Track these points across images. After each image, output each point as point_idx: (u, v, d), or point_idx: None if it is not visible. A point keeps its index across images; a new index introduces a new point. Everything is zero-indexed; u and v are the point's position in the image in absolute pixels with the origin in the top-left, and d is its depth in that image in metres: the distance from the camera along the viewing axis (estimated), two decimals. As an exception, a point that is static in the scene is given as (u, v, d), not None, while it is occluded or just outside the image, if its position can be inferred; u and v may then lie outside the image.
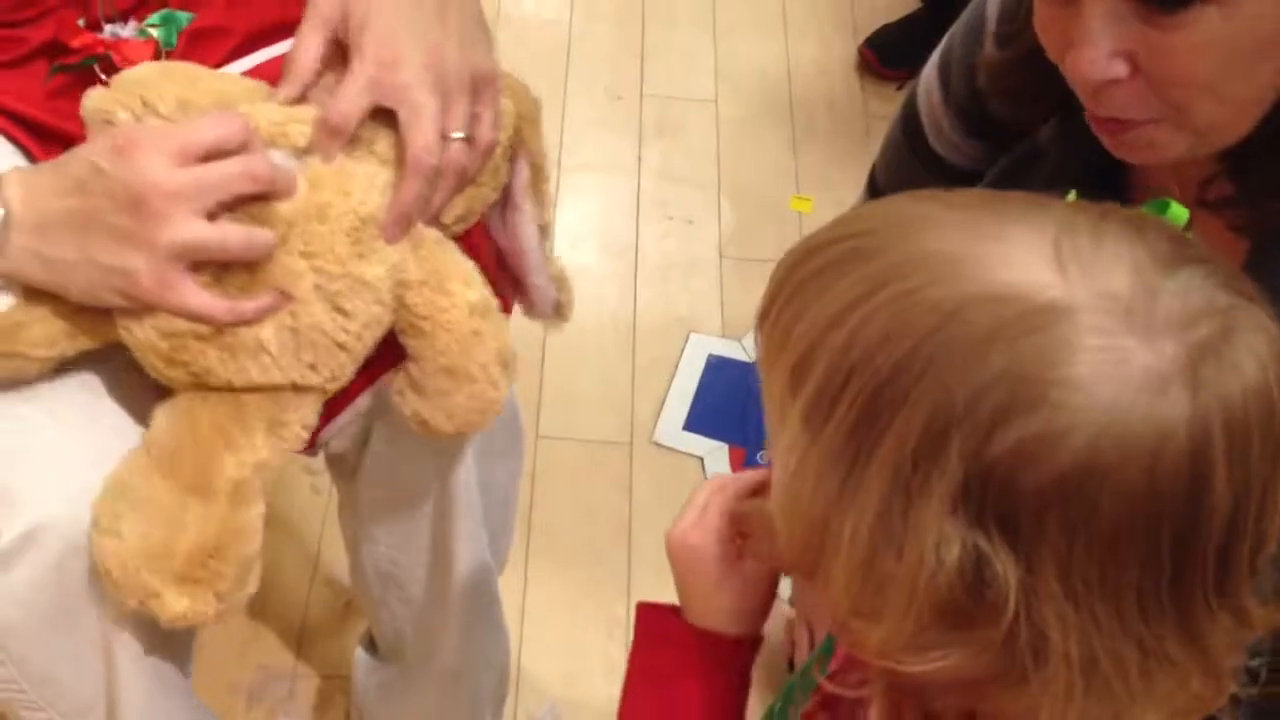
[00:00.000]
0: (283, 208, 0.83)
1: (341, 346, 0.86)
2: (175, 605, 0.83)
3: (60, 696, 0.93)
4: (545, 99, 1.01)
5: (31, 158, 0.99)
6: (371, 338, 0.87)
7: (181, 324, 0.82)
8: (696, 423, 1.81)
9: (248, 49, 1.00)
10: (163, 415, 0.87)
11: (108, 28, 0.96)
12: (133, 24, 0.97)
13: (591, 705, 1.54)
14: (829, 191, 2.11)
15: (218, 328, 0.83)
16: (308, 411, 0.88)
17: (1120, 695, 0.55)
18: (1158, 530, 0.52)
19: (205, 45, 0.99)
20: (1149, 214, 0.59)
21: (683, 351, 1.89)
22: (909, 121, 1.11)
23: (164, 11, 0.98)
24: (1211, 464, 0.52)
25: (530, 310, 1.03)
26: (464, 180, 0.89)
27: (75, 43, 0.95)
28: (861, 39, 2.34)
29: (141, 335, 0.83)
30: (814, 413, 0.56)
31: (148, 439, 0.86)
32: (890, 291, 0.54)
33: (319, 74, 0.87)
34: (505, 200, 0.96)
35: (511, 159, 0.94)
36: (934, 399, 0.52)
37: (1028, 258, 0.53)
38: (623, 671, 0.79)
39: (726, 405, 1.83)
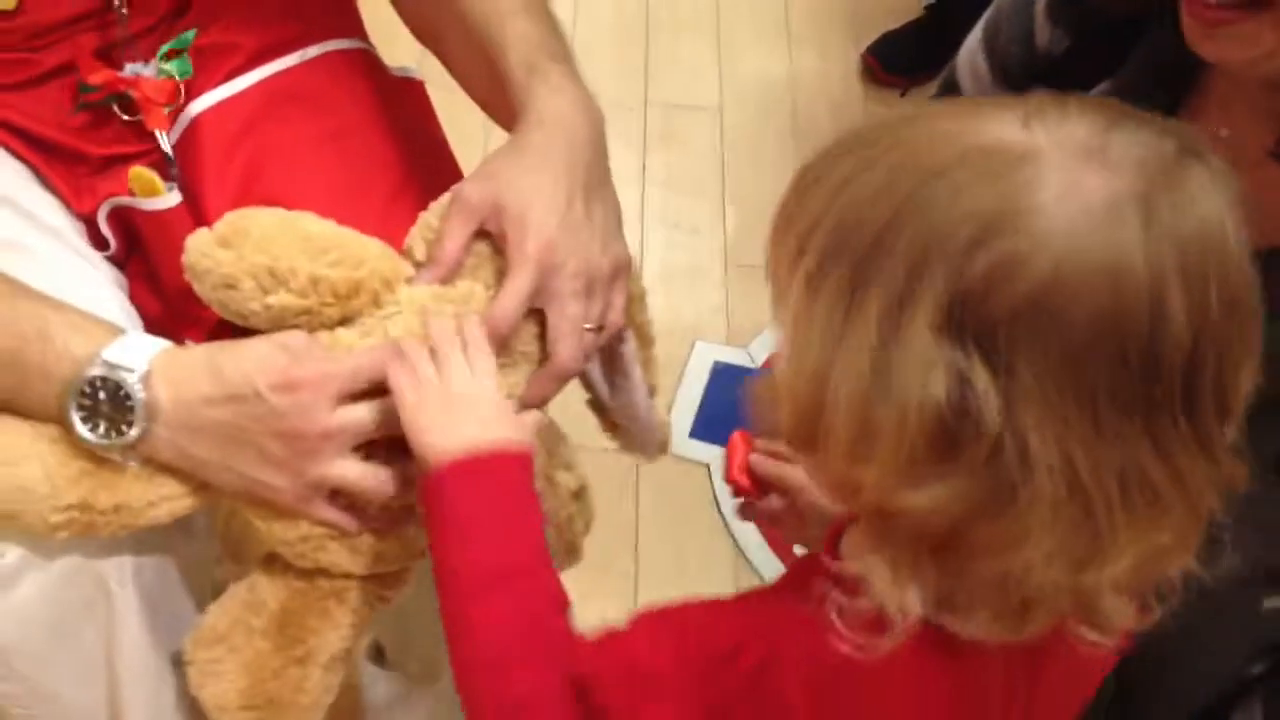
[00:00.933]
0: None
1: None
2: None
3: (64, 712, 0.94)
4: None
5: (39, 174, 0.99)
6: None
7: (318, 530, 0.85)
8: (702, 430, 1.81)
9: (255, 63, 1.01)
10: (269, 584, 0.89)
11: (128, 66, 0.96)
12: (152, 65, 0.98)
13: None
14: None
15: (352, 535, 0.85)
16: (410, 581, 0.92)
17: (1102, 522, 0.59)
18: (1122, 340, 0.57)
19: (213, 60, 1.00)
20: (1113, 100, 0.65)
21: (688, 359, 1.90)
22: (948, 93, 1.13)
23: (174, 40, 0.99)
24: (1167, 287, 0.57)
25: (631, 449, 1.05)
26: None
27: (94, 79, 0.95)
28: (864, 46, 2.34)
29: (277, 531, 0.85)
30: (815, 274, 0.62)
31: (250, 601, 0.89)
32: (884, 164, 0.61)
33: (461, 263, 0.87)
34: (614, 369, 0.97)
35: (618, 333, 0.95)
36: (917, 238, 0.59)
37: (1000, 125, 0.61)
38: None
39: (732, 413, 1.82)
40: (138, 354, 0.81)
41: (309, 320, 0.84)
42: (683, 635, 0.70)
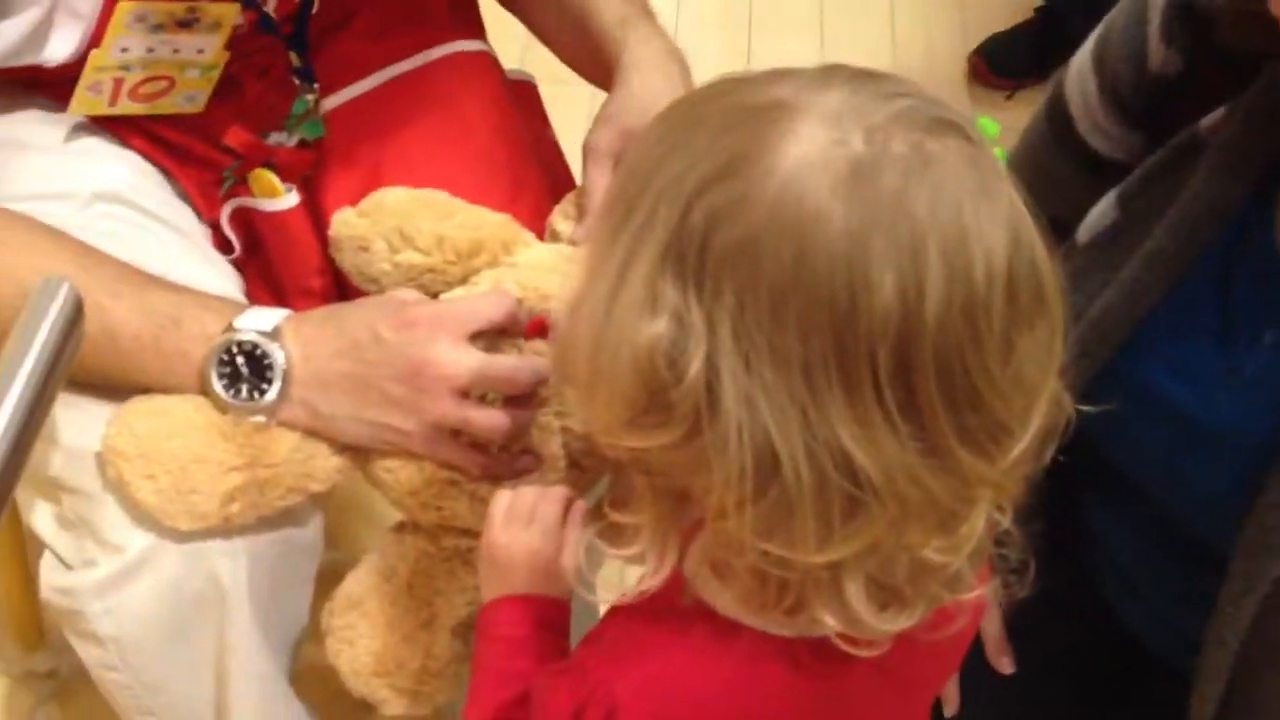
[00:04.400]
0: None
1: None
2: (396, 708, 0.92)
3: (173, 705, 0.96)
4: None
5: (171, 178, 1.01)
6: (592, 488, 0.92)
7: (442, 473, 0.87)
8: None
9: (380, 64, 1.02)
10: (398, 548, 0.92)
11: (273, 135, 0.99)
12: (294, 135, 1.00)
13: None
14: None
15: (474, 478, 0.87)
16: None
17: (794, 499, 0.57)
18: (813, 301, 0.55)
19: (339, 61, 1.01)
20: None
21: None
22: (1056, 112, 1.10)
23: (299, 101, 1.01)
24: (870, 255, 0.55)
25: None
26: None
27: (236, 143, 0.98)
28: (971, 46, 2.30)
29: (404, 477, 0.88)
30: (604, 218, 0.62)
31: (381, 567, 0.92)
32: (671, 117, 0.62)
33: None
34: None
35: None
36: (663, 181, 0.58)
37: (777, 88, 0.59)
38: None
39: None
40: (266, 319, 0.86)
41: (433, 278, 0.90)
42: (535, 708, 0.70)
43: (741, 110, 0.59)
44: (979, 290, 0.56)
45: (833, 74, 0.60)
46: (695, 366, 0.57)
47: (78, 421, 0.87)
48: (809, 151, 0.57)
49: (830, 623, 0.62)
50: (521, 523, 0.77)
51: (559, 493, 0.79)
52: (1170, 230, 0.84)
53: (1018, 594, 0.68)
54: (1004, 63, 2.26)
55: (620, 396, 0.59)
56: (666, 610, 0.66)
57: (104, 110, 0.95)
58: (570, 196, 0.93)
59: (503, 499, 0.78)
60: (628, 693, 0.65)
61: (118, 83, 0.93)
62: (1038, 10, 2.28)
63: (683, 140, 0.59)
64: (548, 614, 0.77)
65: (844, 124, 0.57)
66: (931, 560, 0.61)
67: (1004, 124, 2.35)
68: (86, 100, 0.94)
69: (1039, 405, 0.60)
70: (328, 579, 0.98)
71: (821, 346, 0.56)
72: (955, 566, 0.62)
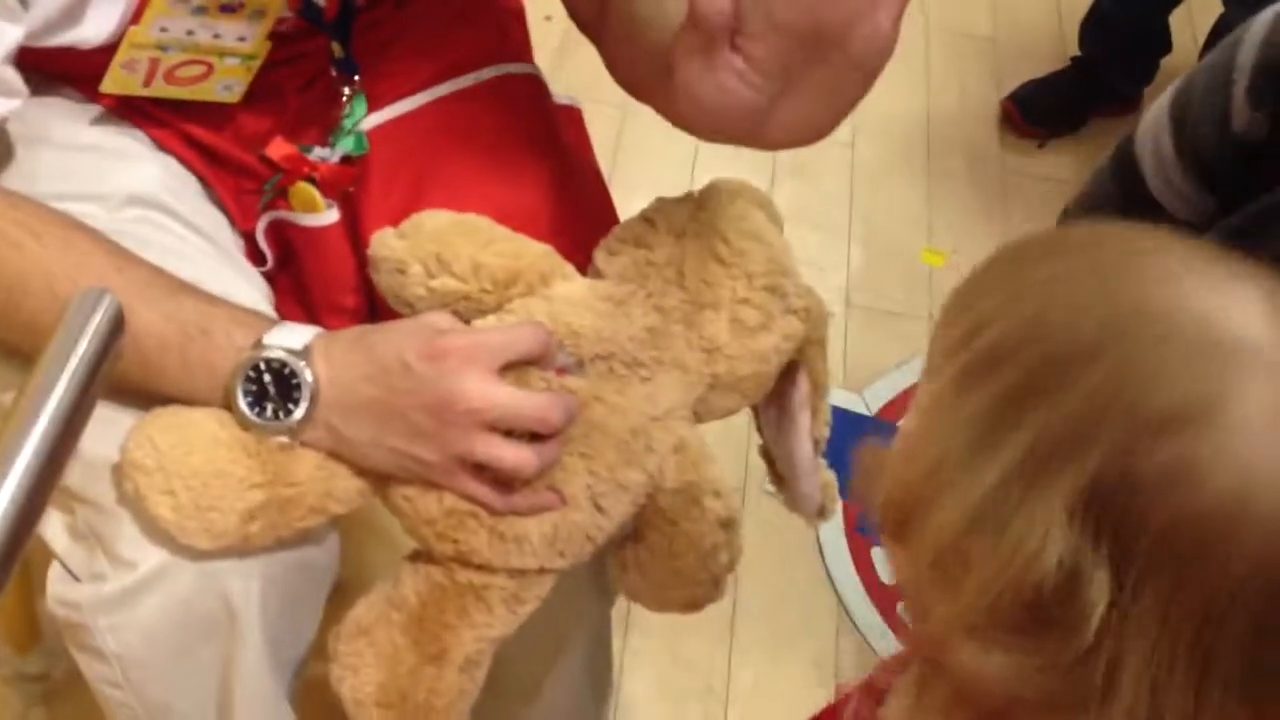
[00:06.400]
0: None
1: (590, 539, 0.88)
2: None
3: None
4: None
5: (207, 187, 0.99)
6: (618, 530, 0.90)
7: (462, 505, 0.85)
8: (811, 474, 1.78)
9: (429, 84, 1.00)
10: (410, 578, 0.90)
11: (316, 150, 0.97)
12: (337, 150, 0.97)
13: (687, 757, 1.51)
14: (963, 246, 2.07)
15: (494, 513, 0.85)
16: (545, 590, 0.92)
17: None
18: (1275, 607, 0.48)
19: (387, 78, 0.98)
20: None
21: (802, 400, 1.86)
22: (1123, 168, 1.09)
23: (346, 119, 0.98)
24: None
25: (792, 507, 1.02)
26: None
27: (277, 155, 0.96)
28: (1004, 92, 2.29)
29: (422, 507, 0.86)
30: (973, 370, 0.54)
31: (393, 596, 0.90)
32: (1094, 280, 0.53)
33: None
34: (781, 411, 0.96)
35: (789, 375, 0.95)
36: (1097, 388, 0.50)
37: (1241, 296, 0.51)
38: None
39: (843, 459, 1.79)
40: (296, 337, 0.83)
41: (468, 306, 0.87)
42: None
43: (1201, 324, 0.50)
44: None
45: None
46: (1094, 625, 0.50)
47: (99, 432, 0.85)
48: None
49: None
50: None
51: None
52: None
53: None
54: (1037, 111, 2.25)
55: (979, 595, 0.52)
56: None
57: (138, 90, 0.92)
58: (616, 232, 0.91)
59: None
60: None
61: (154, 63, 0.90)
62: (1073, 59, 2.27)
63: (1115, 342, 0.51)
64: None
65: None
66: None
67: (1035, 173, 2.34)
68: (120, 78, 0.91)
69: None
70: (334, 596, 0.96)
71: (1257, 653, 0.49)
72: None
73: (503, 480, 0.84)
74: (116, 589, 0.85)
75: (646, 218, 0.90)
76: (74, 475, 0.86)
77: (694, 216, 0.89)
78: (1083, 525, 0.50)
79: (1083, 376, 0.50)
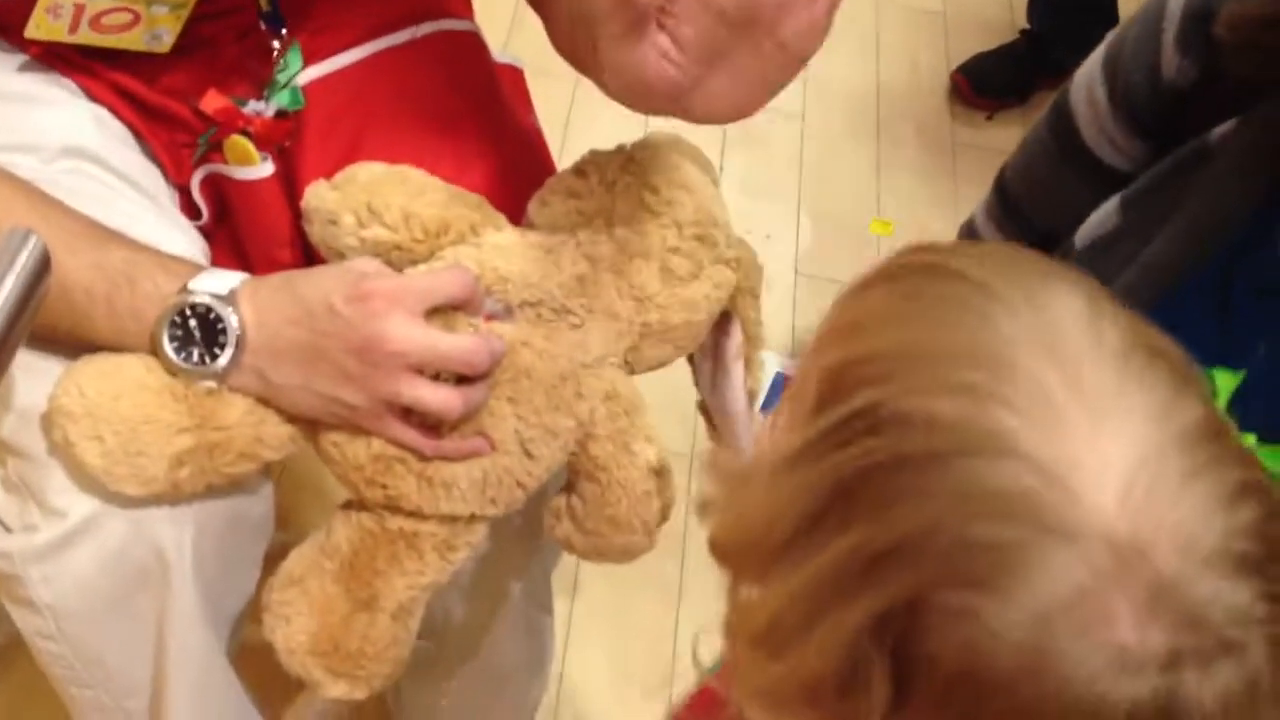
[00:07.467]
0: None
1: (521, 485, 0.89)
2: (332, 690, 0.91)
3: (109, 677, 0.93)
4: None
5: (141, 139, 0.99)
6: (548, 477, 0.91)
7: (390, 450, 0.86)
8: (759, 441, 1.79)
9: (365, 39, 0.99)
10: (342, 527, 0.90)
11: (251, 104, 0.97)
12: (272, 104, 0.97)
13: None
14: (911, 216, 2.08)
15: (422, 458, 0.85)
16: (477, 538, 0.92)
17: None
18: None
19: (323, 33, 0.98)
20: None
21: (750, 367, 1.87)
22: (1059, 122, 1.10)
23: (280, 73, 0.97)
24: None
25: None
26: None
27: (211, 108, 0.96)
28: (953, 65, 2.30)
29: (350, 452, 0.86)
30: (829, 436, 0.52)
31: (324, 545, 0.91)
32: (973, 373, 0.50)
33: None
34: (716, 363, 0.98)
35: (722, 326, 0.96)
36: (921, 525, 0.49)
37: (1104, 458, 0.48)
38: (670, 685, 0.77)
39: (790, 426, 1.80)
40: (222, 282, 0.83)
41: (399, 256, 0.88)
42: None
43: (1046, 487, 0.48)
44: None
45: (1152, 482, 0.48)
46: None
47: (30, 382, 0.85)
48: (1100, 627, 0.47)
49: None
50: None
51: None
52: (1171, 239, 0.84)
53: None
54: (986, 83, 2.26)
55: (771, 674, 0.54)
56: None
57: (63, 36, 0.90)
58: (549, 183, 0.91)
59: None
60: None
61: (79, 9, 0.89)
62: (1022, 32, 2.28)
63: (952, 478, 0.49)
64: None
65: (1145, 600, 0.47)
66: None
67: (984, 144, 2.36)
68: (45, 23, 0.89)
69: None
70: (277, 559, 0.95)
71: None
72: None
73: (430, 425, 0.84)
74: (48, 539, 0.85)
75: (579, 169, 0.91)
76: (5, 426, 0.86)
77: (625, 167, 0.90)
78: (874, 640, 0.50)
79: (913, 503, 0.49)
